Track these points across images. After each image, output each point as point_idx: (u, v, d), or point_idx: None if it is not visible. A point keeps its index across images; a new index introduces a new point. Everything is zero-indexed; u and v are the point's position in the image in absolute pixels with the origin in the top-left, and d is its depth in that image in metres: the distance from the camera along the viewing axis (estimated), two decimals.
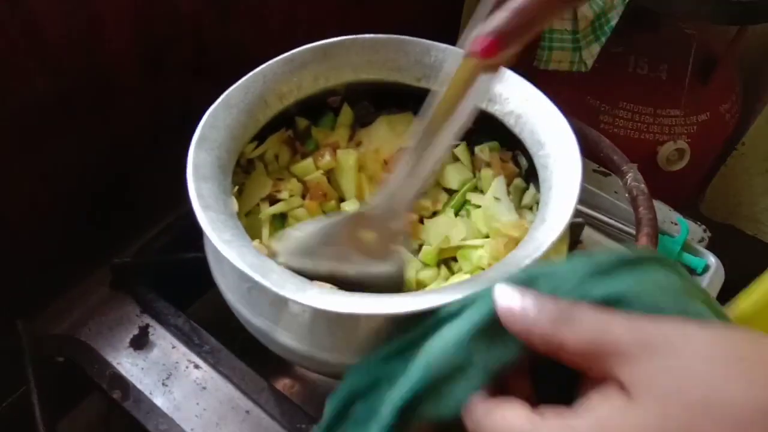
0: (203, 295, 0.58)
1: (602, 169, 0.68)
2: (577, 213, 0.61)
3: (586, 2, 0.78)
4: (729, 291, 0.64)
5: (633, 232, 0.54)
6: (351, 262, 0.38)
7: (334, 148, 0.48)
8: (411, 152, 0.36)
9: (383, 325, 0.33)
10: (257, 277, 0.32)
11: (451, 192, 0.49)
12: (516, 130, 0.45)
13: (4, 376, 0.51)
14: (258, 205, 0.45)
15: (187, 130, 0.39)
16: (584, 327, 0.25)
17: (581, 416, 0.24)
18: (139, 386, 0.49)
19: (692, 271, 0.60)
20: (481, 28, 0.30)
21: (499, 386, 0.28)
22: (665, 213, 0.66)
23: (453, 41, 0.44)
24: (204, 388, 0.49)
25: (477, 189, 0.48)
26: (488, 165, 0.48)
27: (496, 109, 0.46)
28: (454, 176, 0.48)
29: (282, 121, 0.47)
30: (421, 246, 0.45)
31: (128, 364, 0.50)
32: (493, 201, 0.45)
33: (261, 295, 0.37)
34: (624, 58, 0.90)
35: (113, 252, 0.56)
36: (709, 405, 0.22)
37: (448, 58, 0.46)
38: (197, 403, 0.48)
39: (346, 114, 0.50)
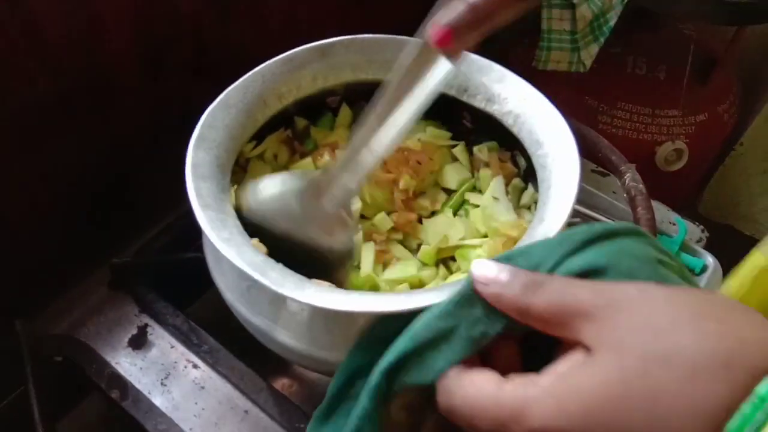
0: (202, 295, 0.58)
1: (600, 169, 0.68)
2: (576, 213, 0.60)
3: (539, 3, 0.78)
4: None
5: None
6: (305, 229, 0.39)
7: (333, 148, 0.48)
8: (357, 133, 0.36)
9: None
10: (256, 276, 0.33)
11: (449, 192, 0.49)
12: (514, 130, 0.45)
13: (3, 375, 0.51)
14: None
15: (187, 130, 0.39)
16: (550, 290, 0.27)
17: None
18: (138, 386, 0.49)
19: (690, 271, 0.60)
20: (439, 16, 0.31)
21: (488, 362, 0.29)
22: (663, 213, 0.66)
23: None
24: (203, 387, 0.49)
25: (475, 189, 0.48)
26: (487, 165, 0.48)
27: (494, 109, 0.46)
28: (452, 176, 0.48)
29: (281, 120, 0.47)
30: (419, 245, 0.45)
31: (127, 364, 0.50)
32: (492, 201, 0.45)
33: (260, 294, 0.37)
34: (622, 58, 0.90)
35: (113, 252, 0.56)
36: (665, 355, 0.23)
37: None
38: (196, 403, 0.48)
39: (345, 114, 0.50)
